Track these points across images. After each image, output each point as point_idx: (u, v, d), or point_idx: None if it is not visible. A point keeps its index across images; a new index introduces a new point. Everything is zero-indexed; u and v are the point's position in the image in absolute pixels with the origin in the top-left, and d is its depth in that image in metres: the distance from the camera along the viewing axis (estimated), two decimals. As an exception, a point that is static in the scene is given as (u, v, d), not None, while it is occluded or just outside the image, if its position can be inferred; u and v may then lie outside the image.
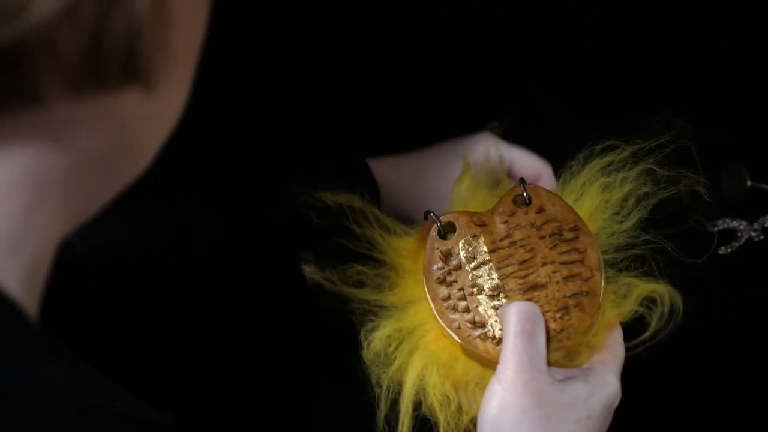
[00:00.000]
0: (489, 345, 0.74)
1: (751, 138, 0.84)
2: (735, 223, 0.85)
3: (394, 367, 0.75)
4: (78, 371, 0.44)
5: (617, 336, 0.73)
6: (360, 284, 0.78)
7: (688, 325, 0.74)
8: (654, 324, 0.72)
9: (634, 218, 0.76)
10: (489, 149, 0.84)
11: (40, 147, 0.44)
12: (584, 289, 0.73)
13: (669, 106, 0.75)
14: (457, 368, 0.74)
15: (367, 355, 0.75)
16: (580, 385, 0.69)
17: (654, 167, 0.75)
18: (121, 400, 0.44)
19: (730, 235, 0.85)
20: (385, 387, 0.74)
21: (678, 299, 0.73)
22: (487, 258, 0.76)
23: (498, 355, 0.73)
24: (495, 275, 0.75)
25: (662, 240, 0.75)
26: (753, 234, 0.85)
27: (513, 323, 0.70)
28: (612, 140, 0.76)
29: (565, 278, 0.74)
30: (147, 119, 0.48)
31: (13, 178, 0.44)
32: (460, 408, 0.73)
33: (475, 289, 0.75)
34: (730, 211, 0.85)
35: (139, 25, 0.43)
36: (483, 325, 0.74)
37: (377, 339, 0.75)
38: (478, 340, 0.74)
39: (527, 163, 0.87)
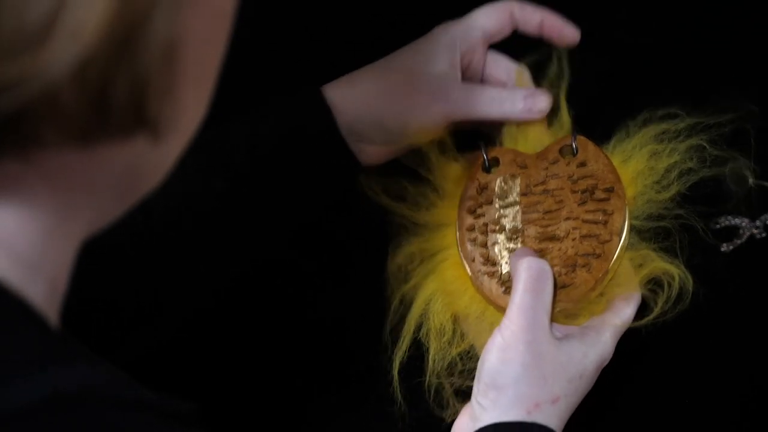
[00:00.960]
0: (493, 285, 0.75)
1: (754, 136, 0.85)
2: (737, 221, 0.87)
3: (409, 285, 0.76)
4: (106, 370, 0.46)
5: (631, 302, 0.74)
6: (400, 198, 0.78)
7: (690, 321, 0.75)
8: (659, 306, 0.73)
9: (673, 190, 0.77)
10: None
11: (53, 185, 0.45)
12: (597, 251, 0.74)
13: (740, 87, 0.77)
14: (463, 299, 0.76)
15: (390, 267, 0.76)
16: (577, 345, 0.71)
17: (705, 144, 0.77)
18: (147, 394, 0.46)
19: (732, 232, 0.88)
20: (396, 301, 0.76)
21: (689, 284, 0.74)
22: (518, 200, 0.77)
23: (498, 298, 0.74)
24: (519, 218, 0.76)
25: (694, 218, 0.76)
26: (755, 231, 0.87)
27: (523, 279, 0.71)
28: (674, 108, 0.78)
29: (583, 236, 0.75)
30: (157, 160, 0.49)
31: (31, 210, 0.45)
32: (451, 340, 0.75)
33: (497, 227, 0.76)
34: (732, 209, 0.86)
35: (147, 78, 0.43)
36: (494, 263, 0.75)
37: (401, 254, 0.77)
38: (485, 277, 0.75)
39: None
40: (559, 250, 0.75)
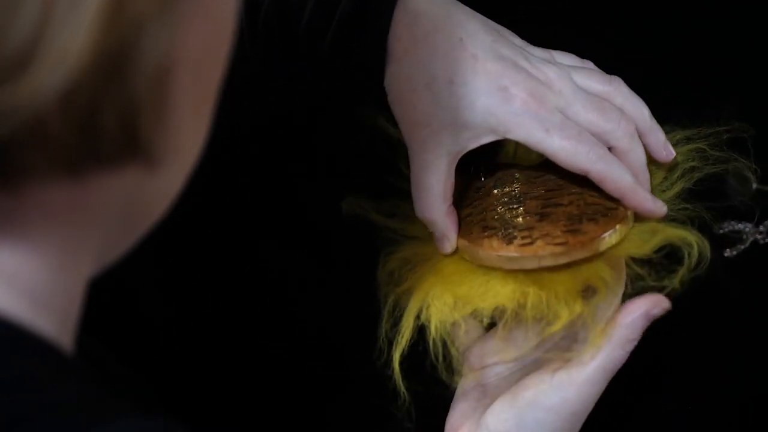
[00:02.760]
0: (494, 242, 0.70)
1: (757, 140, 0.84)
2: (740, 226, 0.85)
3: (403, 288, 0.73)
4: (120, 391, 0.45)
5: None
6: (391, 215, 0.75)
7: (692, 326, 0.75)
8: (680, 273, 0.69)
9: (677, 187, 0.75)
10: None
11: (51, 219, 0.43)
12: (604, 212, 0.71)
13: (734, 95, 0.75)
14: (463, 286, 0.72)
15: (381, 274, 0.73)
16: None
17: (705, 147, 0.75)
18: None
19: (735, 237, 0.86)
20: (390, 302, 0.72)
21: (706, 250, 0.70)
22: (517, 186, 0.73)
23: (500, 249, 0.70)
24: (518, 191, 0.73)
25: (702, 210, 0.74)
26: (759, 237, 0.85)
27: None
28: (667, 127, 0.75)
29: (588, 204, 0.72)
30: (158, 189, 0.47)
31: (33, 245, 0.43)
32: (453, 307, 0.71)
33: (496, 203, 0.73)
34: (735, 214, 0.85)
35: (138, 103, 0.40)
36: (493, 228, 0.72)
37: (393, 260, 0.74)
38: (485, 240, 0.71)
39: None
40: (563, 212, 0.71)
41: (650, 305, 0.68)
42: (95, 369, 0.47)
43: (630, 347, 0.68)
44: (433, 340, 0.69)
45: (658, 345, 0.73)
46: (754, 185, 0.85)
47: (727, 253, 0.85)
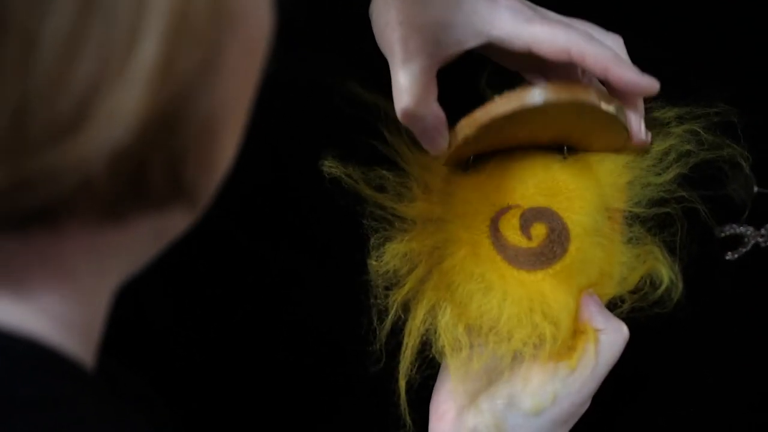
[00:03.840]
0: (489, 104, 0.67)
1: (758, 143, 0.83)
2: (742, 229, 0.84)
3: (402, 291, 0.70)
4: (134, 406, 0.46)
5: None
6: (381, 189, 0.73)
7: (694, 330, 0.73)
8: (628, 301, 0.70)
9: (672, 173, 0.73)
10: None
11: (85, 252, 0.44)
12: None
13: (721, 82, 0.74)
14: (472, 308, 0.70)
15: (375, 265, 0.70)
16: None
17: (699, 130, 0.74)
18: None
19: (736, 240, 0.84)
20: (392, 312, 0.69)
21: (677, 291, 0.69)
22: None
23: (495, 104, 0.67)
24: None
25: (697, 200, 0.73)
26: (760, 240, 0.84)
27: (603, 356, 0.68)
28: (659, 102, 0.74)
29: None
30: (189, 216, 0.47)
31: (65, 275, 0.44)
32: (470, 353, 0.69)
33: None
34: (736, 217, 0.84)
35: (186, 154, 0.41)
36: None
37: (389, 253, 0.70)
38: (478, 111, 0.68)
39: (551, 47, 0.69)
40: None
41: None
42: (113, 385, 0.48)
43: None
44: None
45: (658, 348, 0.72)
46: (755, 188, 0.84)
47: (729, 256, 0.84)
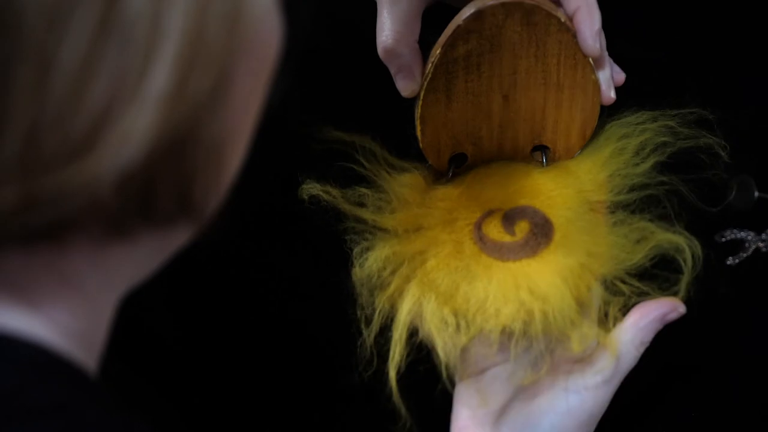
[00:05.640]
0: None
1: (759, 148, 0.83)
2: (743, 234, 0.83)
3: (388, 292, 0.70)
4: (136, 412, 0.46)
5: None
6: (360, 205, 0.74)
7: (694, 335, 0.73)
8: (684, 281, 0.68)
9: (650, 161, 0.73)
10: None
11: (98, 269, 0.45)
12: None
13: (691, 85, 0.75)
14: (457, 297, 0.69)
15: (359, 274, 0.71)
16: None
17: (674, 125, 0.74)
18: None
19: (737, 245, 0.83)
20: (378, 311, 0.69)
21: (697, 249, 0.69)
22: None
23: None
24: None
25: (678, 183, 0.73)
26: (761, 245, 0.83)
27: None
28: (631, 109, 0.76)
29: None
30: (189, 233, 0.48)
31: (71, 286, 0.44)
32: (458, 327, 0.68)
33: None
34: (737, 222, 0.83)
35: (194, 175, 0.42)
36: None
37: (372, 259, 0.71)
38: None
39: None
40: None
41: (666, 309, 0.67)
42: (116, 391, 0.48)
43: (642, 349, 0.67)
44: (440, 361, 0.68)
45: (660, 353, 0.71)
46: (756, 193, 0.83)
47: (730, 261, 0.83)
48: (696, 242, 0.69)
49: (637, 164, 0.73)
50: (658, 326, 0.67)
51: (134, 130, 0.38)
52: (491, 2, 0.68)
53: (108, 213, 0.40)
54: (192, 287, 0.80)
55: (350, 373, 0.69)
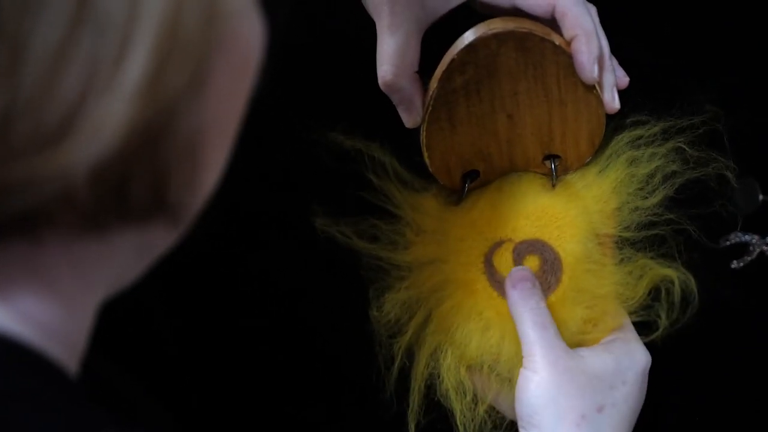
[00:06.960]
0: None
1: (764, 151, 0.83)
2: (747, 237, 0.84)
3: (406, 338, 0.72)
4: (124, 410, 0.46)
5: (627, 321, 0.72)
6: (374, 239, 0.74)
7: (699, 338, 0.73)
8: (664, 315, 0.71)
9: (659, 195, 0.74)
10: None
11: (68, 262, 0.44)
12: None
13: (701, 89, 0.75)
14: (471, 348, 0.71)
15: (376, 315, 0.72)
16: (604, 354, 0.70)
17: (684, 146, 0.74)
18: None
19: (742, 249, 0.84)
20: (399, 358, 0.72)
21: (691, 284, 0.71)
22: None
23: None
24: None
25: (685, 221, 0.73)
26: (765, 248, 0.84)
27: (525, 321, 0.69)
28: (643, 115, 0.75)
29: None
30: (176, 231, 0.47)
31: (48, 284, 0.44)
32: (475, 397, 0.71)
33: None
34: (742, 225, 0.84)
35: (169, 170, 0.41)
36: None
37: (389, 302, 0.72)
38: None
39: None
40: None
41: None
42: (101, 390, 0.48)
43: None
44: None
45: (663, 357, 0.72)
46: (761, 197, 0.84)
47: (734, 264, 0.84)
48: (690, 276, 0.71)
49: (646, 197, 0.74)
50: None
51: (108, 120, 0.38)
52: (482, 34, 0.68)
53: (82, 206, 0.40)
54: (192, 287, 0.81)
55: (372, 414, 0.71)
